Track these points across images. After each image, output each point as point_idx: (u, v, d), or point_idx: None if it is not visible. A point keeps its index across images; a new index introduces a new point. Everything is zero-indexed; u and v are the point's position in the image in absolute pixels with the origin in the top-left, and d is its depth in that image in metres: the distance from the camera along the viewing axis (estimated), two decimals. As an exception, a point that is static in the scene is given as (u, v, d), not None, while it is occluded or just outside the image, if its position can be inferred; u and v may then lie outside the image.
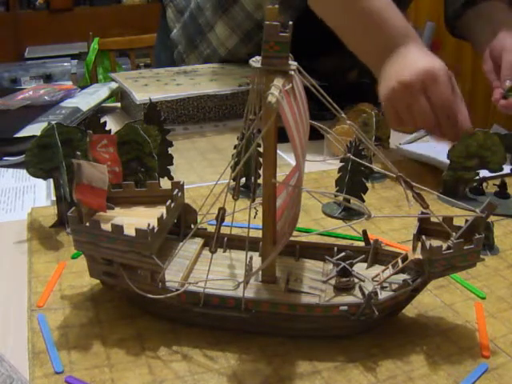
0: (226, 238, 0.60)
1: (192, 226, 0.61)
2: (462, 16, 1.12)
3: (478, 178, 0.82)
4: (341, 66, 1.26)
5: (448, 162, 0.82)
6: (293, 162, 0.89)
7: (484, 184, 0.83)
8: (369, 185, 0.78)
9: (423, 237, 0.53)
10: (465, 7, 1.11)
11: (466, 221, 0.54)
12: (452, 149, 0.81)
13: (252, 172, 0.72)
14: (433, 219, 0.56)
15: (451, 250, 0.51)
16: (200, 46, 1.30)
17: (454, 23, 1.15)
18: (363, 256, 0.57)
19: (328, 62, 1.23)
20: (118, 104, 1.25)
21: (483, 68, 0.99)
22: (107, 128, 0.75)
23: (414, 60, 0.83)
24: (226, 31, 1.25)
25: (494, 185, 0.83)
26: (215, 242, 0.50)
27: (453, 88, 0.82)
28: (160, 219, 0.53)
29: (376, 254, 0.58)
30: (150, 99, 0.85)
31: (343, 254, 0.56)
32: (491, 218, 0.61)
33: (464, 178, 0.82)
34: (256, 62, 0.47)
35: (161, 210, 0.55)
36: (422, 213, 0.56)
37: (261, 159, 0.52)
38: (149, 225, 0.50)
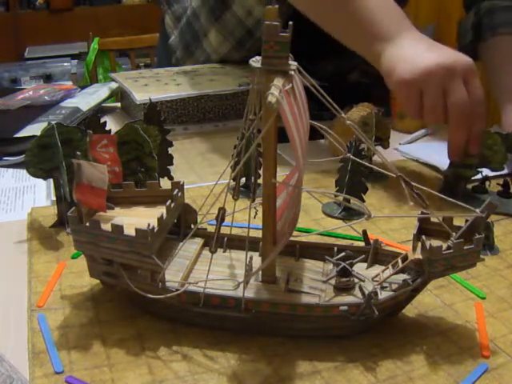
0: (226, 238, 0.60)
1: (192, 226, 0.61)
2: (474, 51, 1.11)
3: (481, 176, 0.82)
4: (341, 70, 1.26)
5: (448, 162, 0.82)
6: (293, 162, 0.89)
7: (487, 183, 0.83)
8: (369, 185, 0.78)
9: (423, 237, 0.53)
10: (473, 44, 1.10)
11: (466, 221, 0.54)
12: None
13: (252, 172, 0.71)
14: (433, 219, 0.56)
15: (451, 250, 0.51)
16: (196, 52, 1.30)
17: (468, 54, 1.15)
18: (363, 256, 0.57)
19: (328, 66, 1.23)
20: (118, 104, 1.25)
21: (503, 121, 0.96)
22: (107, 128, 0.75)
23: (443, 48, 0.79)
24: (219, 38, 1.25)
25: (498, 184, 0.83)
26: (215, 242, 0.50)
27: None
28: (160, 219, 0.53)
29: (376, 254, 0.58)
30: (150, 99, 0.85)
31: (343, 254, 0.56)
32: (491, 218, 0.61)
33: (464, 176, 0.82)
34: (256, 61, 0.47)
35: (161, 210, 0.55)
36: (422, 213, 0.56)
37: (261, 159, 0.52)
38: (149, 225, 0.50)
